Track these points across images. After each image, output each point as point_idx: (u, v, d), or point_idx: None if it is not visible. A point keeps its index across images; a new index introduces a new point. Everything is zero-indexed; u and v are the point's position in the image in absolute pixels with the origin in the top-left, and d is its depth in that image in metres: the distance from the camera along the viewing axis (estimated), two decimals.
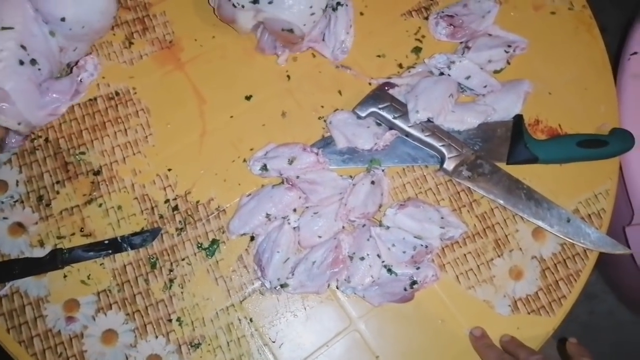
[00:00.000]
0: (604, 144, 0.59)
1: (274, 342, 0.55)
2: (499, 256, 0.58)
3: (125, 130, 0.61)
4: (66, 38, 0.57)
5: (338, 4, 0.61)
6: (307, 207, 0.58)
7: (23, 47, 0.52)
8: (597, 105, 0.64)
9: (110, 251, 0.56)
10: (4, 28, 0.50)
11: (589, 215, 0.60)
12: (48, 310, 0.55)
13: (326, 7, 0.58)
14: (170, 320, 0.55)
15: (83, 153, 0.60)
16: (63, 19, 0.54)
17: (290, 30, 0.58)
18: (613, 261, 0.62)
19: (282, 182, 0.58)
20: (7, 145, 0.58)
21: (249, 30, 0.61)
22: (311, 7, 0.56)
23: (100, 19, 0.57)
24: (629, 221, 0.66)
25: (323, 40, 0.63)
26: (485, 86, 0.61)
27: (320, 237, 0.56)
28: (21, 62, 0.52)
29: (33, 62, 0.53)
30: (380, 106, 0.59)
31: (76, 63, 0.60)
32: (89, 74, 0.59)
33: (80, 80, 0.58)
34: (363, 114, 0.59)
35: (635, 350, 1.11)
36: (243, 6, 0.57)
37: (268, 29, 0.60)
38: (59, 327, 0.54)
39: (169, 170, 0.60)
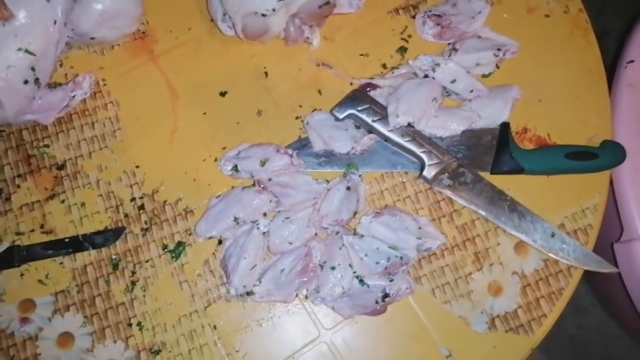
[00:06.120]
0: (594, 157, 0.56)
1: (237, 351, 0.53)
2: (478, 270, 0.56)
3: (93, 123, 0.58)
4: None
5: None
6: (278, 212, 0.55)
7: (33, 69, 0.52)
8: (589, 116, 0.60)
9: (70, 250, 0.54)
10: (27, 51, 0.50)
11: (575, 230, 0.57)
12: (2, 310, 0.52)
13: None
14: (130, 325, 0.53)
15: (47, 146, 0.57)
16: (93, 38, 0.56)
17: (327, 3, 0.56)
18: (601, 276, 0.59)
19: (254, 185, 0.56)
20: None
21: (279, 33, 0.58)
22: None
23: (120, 35, 0.59)
24: (618, 238, 0.63)
25: None
26: (471, 91, 0.58)
27: (290, 243, 0.54)
28: (26, 82, 0.52)
29: (36, 81, 0.53)
30: (359, 108, 0.56)
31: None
32: (83, 92, 0.57)
33: (73, 97, 0.57)
34: (341, 116, 0.56)
35: None
36: (274, 9, 0.54)
37: (303, 15, 0.57)
38: (13, 328, 0.52)
39: (137, 167, 0.57)
